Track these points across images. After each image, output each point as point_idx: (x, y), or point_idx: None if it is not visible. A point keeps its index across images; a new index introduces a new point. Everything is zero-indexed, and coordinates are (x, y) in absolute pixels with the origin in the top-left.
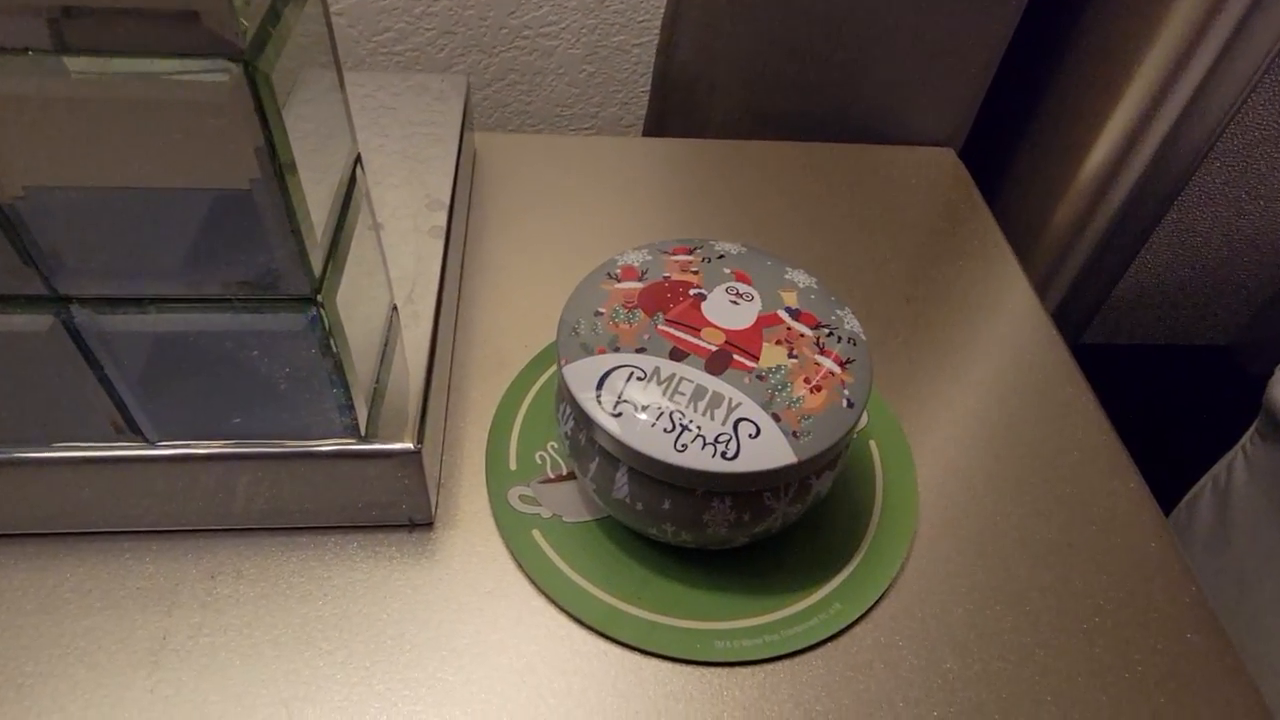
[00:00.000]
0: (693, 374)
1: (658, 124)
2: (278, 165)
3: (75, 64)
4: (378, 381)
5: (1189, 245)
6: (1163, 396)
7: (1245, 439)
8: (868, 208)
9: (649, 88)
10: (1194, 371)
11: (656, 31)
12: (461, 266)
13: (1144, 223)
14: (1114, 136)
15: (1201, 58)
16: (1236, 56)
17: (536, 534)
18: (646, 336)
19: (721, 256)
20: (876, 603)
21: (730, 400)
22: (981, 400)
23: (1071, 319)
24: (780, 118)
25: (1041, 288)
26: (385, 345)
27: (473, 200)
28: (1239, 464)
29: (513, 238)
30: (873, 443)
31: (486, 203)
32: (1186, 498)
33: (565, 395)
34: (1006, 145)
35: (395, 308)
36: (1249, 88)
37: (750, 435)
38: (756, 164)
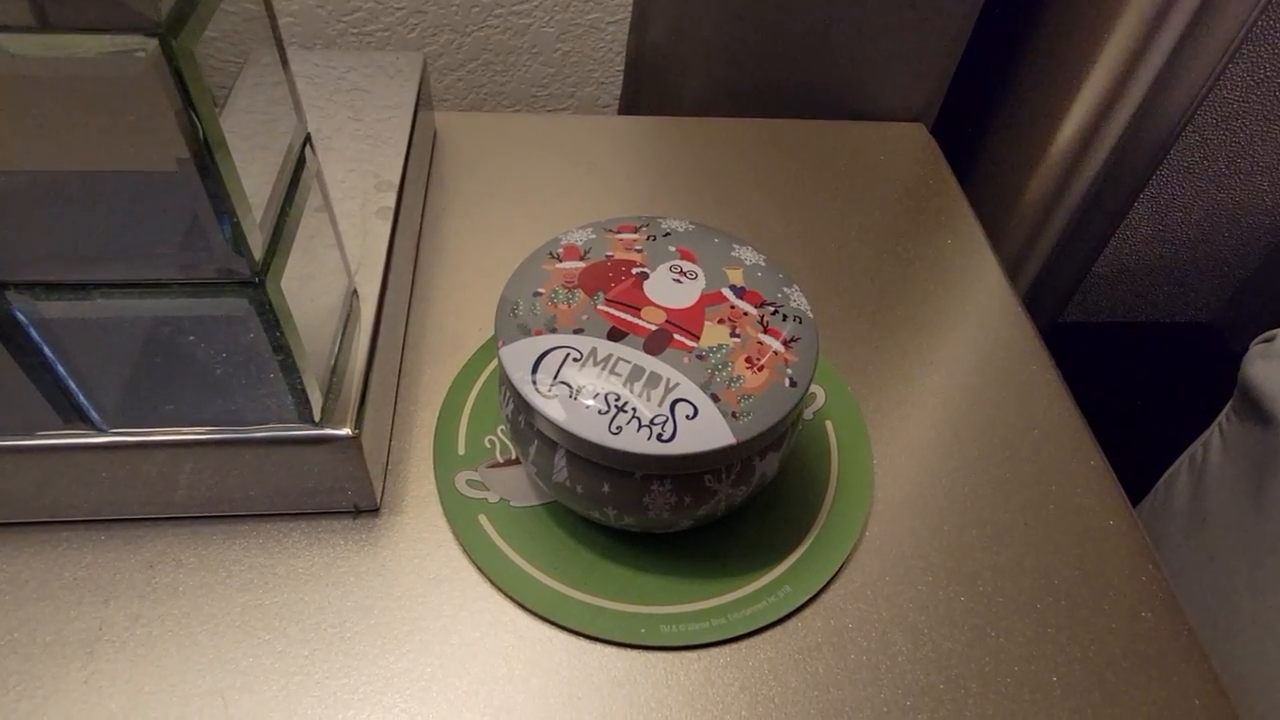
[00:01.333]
0: (631, 354)
1: (632, 103)
2: (206, 144)
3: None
4: (336, 367)
5: (1168, 221)
6: (1143, 374)
7: (1221, 417)
8: (838, 184)
9: (624, 66)
10: (1175, 349)
11: (630, 9)
12: (417, 249)
13: (1120, 198)
14: (1085, 110)
15: (1172, 27)
16: (1210, 26)
17: (483, 519)
18: (585, 317)
19: (668, 234)
20: (827, 585)
21: (668, 381)
22: (944, 379)
23: (1050, 296)
24: (752, 94)
25: (1016, 264)
26: (345, 329)
27: (431, 181)
28: (1215, 442)
29: (472, 219)
30: (829, 423)
31: (447, 183)
32: (1164, 476)
33: (503, 377)
34: (979, 120)
35: (356, 292)
36: (1224, 58)
37: (687, 416)
38: (726, 141)
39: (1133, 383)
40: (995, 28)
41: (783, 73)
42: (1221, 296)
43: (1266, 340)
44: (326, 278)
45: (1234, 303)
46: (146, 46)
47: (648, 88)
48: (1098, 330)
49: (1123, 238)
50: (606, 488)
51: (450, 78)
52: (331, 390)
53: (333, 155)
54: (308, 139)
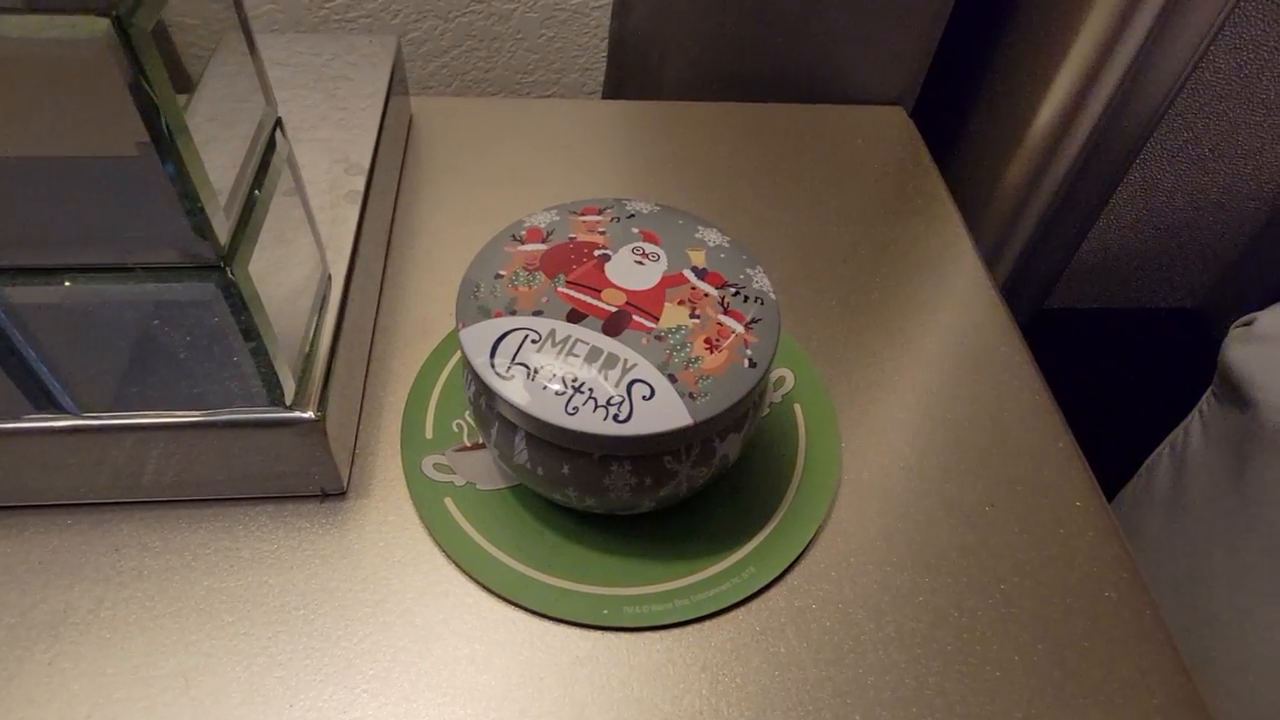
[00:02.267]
0: (589, 336)
1: (615, 89)
2: (166, 128)
3: None
4: (310, 351)
5: (1152, 206)
6: (1128, 360)
7: (1201, 401)
8: (816, 168)
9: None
10: (1159, 335)
11: None
12: (390, 234)
13: (1102, 183)
14: (1062, 93)
15: (1149, 9)
16: (1188, 9)
17: (449, 502)
18: (545, 299)
19: (632, 216)
20: (791, 566)
21: (625, 361)
22: (915, 362)
23: (1034, 283)
24: (732, 78)
25: (997, 249)
26: (319, 313)
27: (406, 165)
28: (1195, 427)
29: (447, 204)
30: (798, 406)
31: (422, 167)
32: (1146, 463)
33: (463, 359)
34: (959, 104)
35: (329, 276)
36: (1205, 41)
37: (644, 397)
38: (704, 125)
39: (1117, 368)
40: (974, 10)
41: (762, 57)
42: (1205, 282)
43: (1245, 324)
44: (299, 261)
45: (1218, 289)
46: (99, 26)
47: (630, 73)
48: (1082, 316)
49: (1107, 223)
50: (566, 469)
51: (434, 64)
52: (303, 376)
53: (305, 139)
54: (278, 123)
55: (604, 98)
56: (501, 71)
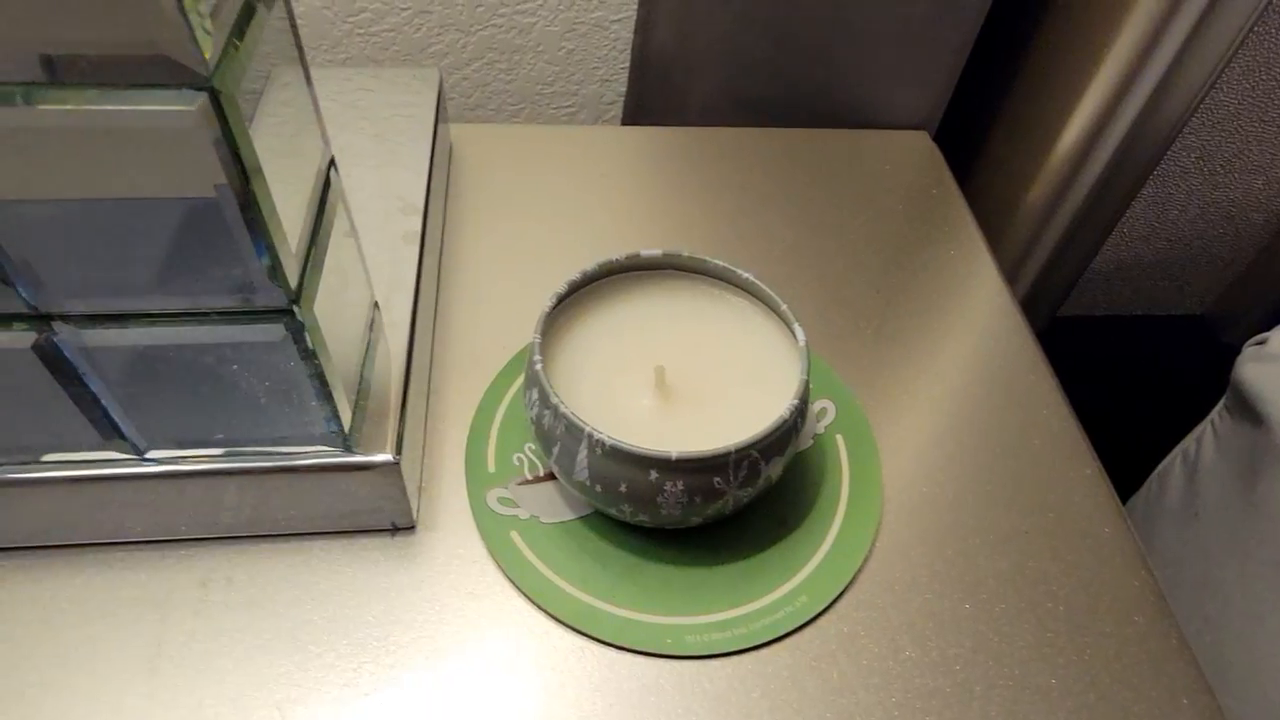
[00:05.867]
0: None
1: (637, 105)
2: (246, 178)
3: (42, 96)
4: (361, 383)
5: (1164, 218)
6: (1138, 367)
7: (1214, 414)
8: (843, 193)
9: (629, 65)
10: (1169, 342)
11: (634, 7)
12: (439, 266)
13: (1118, 199)
14: (1087, 115)
15: (1174, 34)
16: (1210, 32)
17: (515, 535)
18: None
19: None
20: (840, 594)
21: None
22: (947, 390)
23: (1048, 294)
24: (757, 101)
25: (1016, 265)
26: (368, 348)
27: (449, 195)
28: (1208, 438)
29: (489, 234)
30: (840, 437)
31: (464, 197)
32: (1158, 469)
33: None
34: (981, 126)
35: (377, 305)
36: (1222, 64)
37: None
38: (732, 152)
39: (1127, 375)
40: (998, 36)
41: (788, 81)
42: (1215, 291)
43: (1259, 343)
44: (351, 297)
45: (1227, 297)
46: (196, 101)
47: (652, 92)
48: (1093, 324)
49: (1119, 235)
50: (623, 486)
51: (455, 76)
52: (358, 409)
53: (353, 176)
54: (331, 161)
55: (625, 115)
56: (522, 83)
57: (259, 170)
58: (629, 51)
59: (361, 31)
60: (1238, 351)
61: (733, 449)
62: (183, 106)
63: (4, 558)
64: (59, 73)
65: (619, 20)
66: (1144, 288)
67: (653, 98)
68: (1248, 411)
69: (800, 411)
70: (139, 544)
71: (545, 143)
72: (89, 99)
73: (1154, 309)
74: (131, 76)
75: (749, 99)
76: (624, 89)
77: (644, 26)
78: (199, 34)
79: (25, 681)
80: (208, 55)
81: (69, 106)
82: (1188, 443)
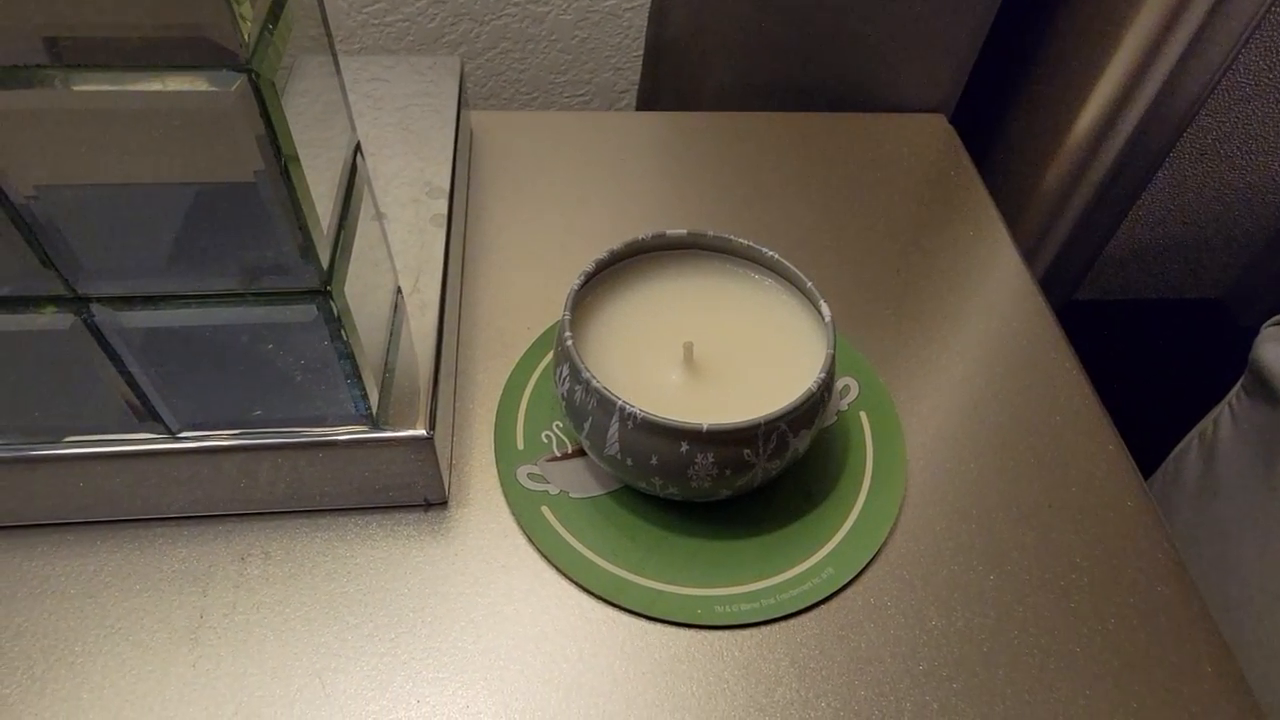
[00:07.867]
0: None
1: (651, 92)
2: (282, 161)
3: (81, 78)
4: (386, 364)
5: (1181, 200)
6: (1155, 350)
7: (1231, 395)
8: (860, 177)
9: (642, 53)
10: (1186, 325)
11: None
12: (464, 249)
13: (1136, 180)
14: (1104, 97)
15: (1191, 16)
16: (1226, 14)
17: (545, 510)
18: None
19: None
20: (866, 566)
21: None
22: (968, 368)
23: (1065, 277)
24: (772, 86)
25: (1033, 248)
26: (392, 329)
27: (471, 181)
28: (1225, 419)
29: (511, 219)
30: (863, 414)
31: (485, 183)
32: (1175, 451)
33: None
34: (998, 109)
35: (400, 290)
36: (1239, 43)
37: None
38: (748, 136)
39: (1145, 358)
40: (1014, 17)
41: (804, 64)
42: (1232, 273)
43: (1277, 324)
44: (377, 280)
45: (1244, 280)
46: (234, 83)
47: (667, 77)
48: (1111, 307)
49: (1136, 218)
50: (655, 460)
51: (469, 65)
52: (384, 388)
53: (377, 161)
54: (358, 147)
55: (639, 102)
56: (535, 72)
57: (294, 153)
58: (642, 40)
59: (376, 22)
60: (1254, 335)
61: (762, 421)
62: (221, 88)
63: (52, 533)
64: (97, 55)
65: (632, 8)
66: (1160, 271)
67: (666, 85)
68: (1266, 392)
69: (827, 385)
70: (178, 519)
71: (563, 129)
72: (128, 80)
73: (1170, 292)
74: (170, 58)
75: (764, 85)
76: (637, 77)
77: (658, 14)
78: (237, 16)
79: (73, 651)
80: (246, 37)
81: (108, 87)
82: (1205, 424)
